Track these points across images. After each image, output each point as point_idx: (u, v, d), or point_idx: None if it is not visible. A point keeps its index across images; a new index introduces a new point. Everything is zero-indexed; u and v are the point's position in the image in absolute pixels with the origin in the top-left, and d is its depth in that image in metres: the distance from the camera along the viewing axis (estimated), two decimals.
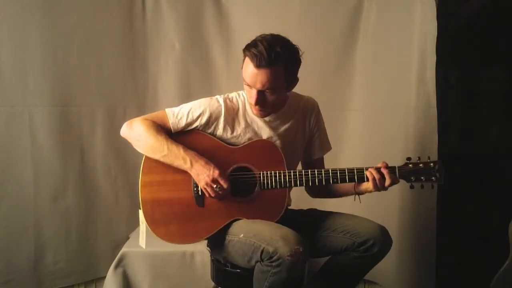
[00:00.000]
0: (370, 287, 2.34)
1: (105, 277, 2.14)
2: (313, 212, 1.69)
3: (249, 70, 1.44)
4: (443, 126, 2.14)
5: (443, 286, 2.21)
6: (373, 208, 2.12)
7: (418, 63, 2.09)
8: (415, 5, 2.09)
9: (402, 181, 1.53)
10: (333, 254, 1.57)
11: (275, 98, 1.49)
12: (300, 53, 1.49)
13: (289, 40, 1.48)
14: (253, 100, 1.48)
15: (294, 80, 1.53)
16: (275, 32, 1.49)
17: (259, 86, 1.44)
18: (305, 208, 1.74)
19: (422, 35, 2.07)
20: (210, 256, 1.70)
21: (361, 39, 2.27)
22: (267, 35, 1.45)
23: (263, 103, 1.49)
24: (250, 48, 1.42)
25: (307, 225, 1.58)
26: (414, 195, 2.14)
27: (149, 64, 2.38)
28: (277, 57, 1.40)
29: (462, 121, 2.94)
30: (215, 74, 2.40)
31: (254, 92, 1.46)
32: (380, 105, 2.23)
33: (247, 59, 1.44)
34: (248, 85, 1.47)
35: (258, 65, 1.41)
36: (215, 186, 1.46)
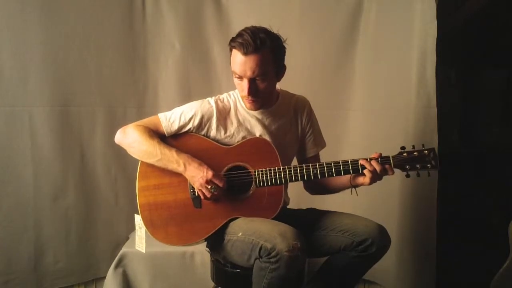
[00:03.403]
0: (370, 287, 2.34)
1: (105, 277, 2.14)
2: (311, 212, 1.69)
3: (238, 60, 1.46)
4: (443, 126, 2.13)
5: (443, 286, 2.21)
6: (373, 208, 2.12)
7: (418, 63, 2.08)
8: (415, 5, 2.09)
9: (398, 172, 1.53)
10: (331, 254, 1.57)
11: (266, 86, 1.50)
12: (283, 39, 1.52)
13: (270, 29, 1.51)
14: (245, 91, 1.49)
15: (282, 68, 1.56)
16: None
17: (249, 73, 1.46)
18: (304, 208, 1.74)
19: (422, 35, 2.07)
20: (210, 256, 1.70)
21: (361, 39, 2.27)
22: (248, 26, 1.49)
23: (255, 92, 1.50)
24: (235, 39, 1.46)
25: (306, 224, 1.58)
26: (414, 195, 2.14)
27: (149, 64, 2.38)
28: (262, 42, 1.44)
29: (462, 121, 2.94)
30: (215, 74, 2.40)
31: (245, 83, 1.48)
32: (380, 105, 2.23)
33: (234, 51, 1.47)
34: (239, 77, 1.49)
35: (245, 52, 1.43)
36: (209, 187, 1.46)
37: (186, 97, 2.19)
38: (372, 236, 1.47)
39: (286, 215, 1.56)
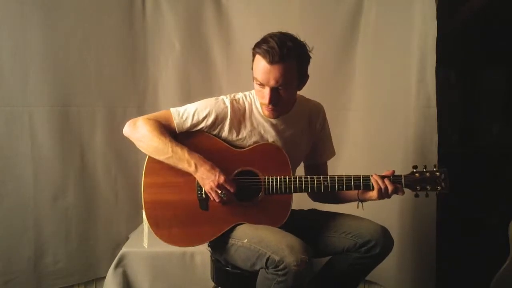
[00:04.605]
0: (370, 287, 2.34)
1: (105, 277, 2.14)
2: (314, 213, 1.68)
3: (261, 67, 1.40)
4: (443, 126, 2.13)
5: (443, 286, 2.21)
6: (374, 208, 2.11)
7: (418, 63, 2.08)
8: (415, 5, 2.08)
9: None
10: (334, 255, 1.57)
11: (288, 95, 1.47)
12: (308, 48, 1.47)
13: (297, 37, 1.45)
14: (266, 100, 1.44)
15: (304, 77, 1.51)
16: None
17: (272, 82, 1.41)
18: (305, 208, 1.73)
19: (422, 35, 2.06)
20: (211, 256, 1.70)
21: (361, 39, 2.27)
22: (275, 32, 1.44)
23: (277, 101, 1.45)
24: (260, 45, 1.40)
25: (309, 226, 1.57)
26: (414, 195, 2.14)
27: (149, 64, 2.38)
28: (289, 51, 1.38)
29: (462, 121, 2.94)
30: (215, 74, 2.40)
31: (267, 91, 1.43)
32: (380, 105, 2.23)
33: (258, 57, 1.42)
34: (260, 84, 1.44)
35: (271, 61, 1.38)
36: (220, 191, 1.44)
37: (186, 97, 2.19)
38: (375, 238, 1.46)
39: (288, 216, 1.55)
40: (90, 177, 2.32)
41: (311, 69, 2.27)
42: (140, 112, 2.28)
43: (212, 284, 1.72)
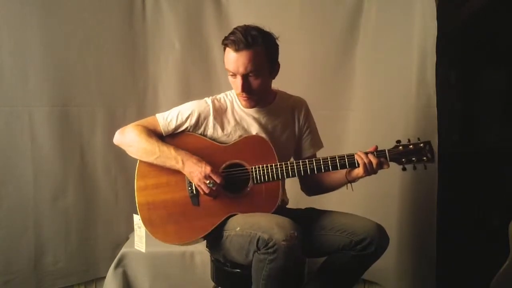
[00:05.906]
0: (370, 287, 2.34)
1: (105, 277, 2.14)
2: (310, 211, 1.69)
3: (230, 57, 1.48)
4: (443, 126, 2.14)
5: (443, 286, 2.21)
6: (373, 208, 2.12)
7: (418, 63, 2.08)
8: (415, 5, 2.09)
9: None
10: (330, 253, 1.57)
11: (260, 83, 1.51)
12: (275, 37, 1.53)
13: (262, 27, 1.52)
14: (239, 88, 1.50)
15: (275, 65, 1.57)
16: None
17: (241, 69, 1.47)
18: (303, 207, 1.74)
19: (422, 35, 2.07)
20: (210, 256, 1.70)
21: (361, 39, 2.27)
22: (240, 25, 1.51)
23: (249, 89, 1.51)
24: (228, 38, 1.49)
25: (305, 224, 1.57)
26: (414, 195, 2.14)
27: (149, 64, 2.39)
28: (254, 39, 1.46)
29: (462, 121, 2.94)
30: (215, 74, 2.41)
31: (238, 80, 1.49)
32: (380, 105, 2.23)
33: (227, 49, 1.50)
34: (232, 75, 1.51)
35: (237, 49, 1.46)
36: (208, 182, 1.48)
37: (186, 97, 2.17)
38: (370, 235, 1.47)
39: (285, 215, 1.55)
40: (90, 177, 2.33)
41: (311, 69, 2.29)
42: (140, 112, 2.30)
43: (212, 284, 1.73)
